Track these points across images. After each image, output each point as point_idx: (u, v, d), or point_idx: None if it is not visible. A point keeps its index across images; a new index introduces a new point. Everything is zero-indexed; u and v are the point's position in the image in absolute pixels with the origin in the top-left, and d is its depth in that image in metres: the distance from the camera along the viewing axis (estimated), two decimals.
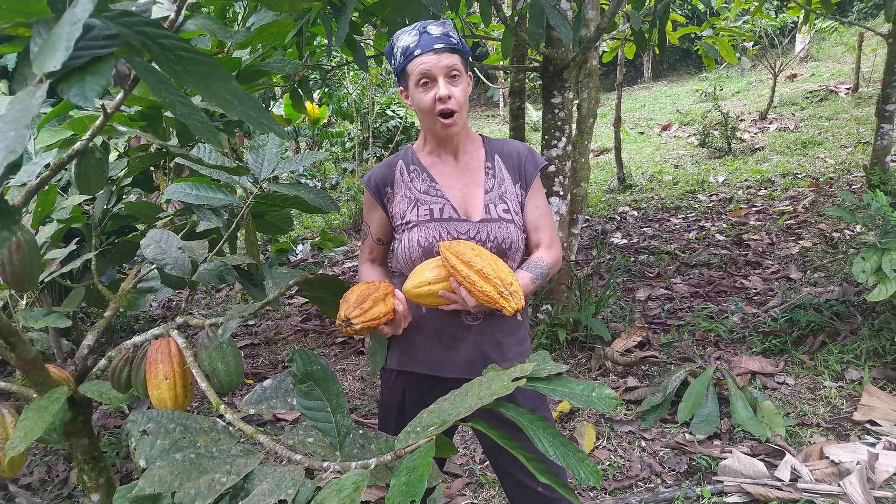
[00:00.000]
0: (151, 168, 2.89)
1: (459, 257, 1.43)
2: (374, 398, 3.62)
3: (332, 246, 6.84)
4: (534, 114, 13.59)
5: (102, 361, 1.88)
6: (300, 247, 7.07)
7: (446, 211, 1.66)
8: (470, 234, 1.63)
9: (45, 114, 1.73)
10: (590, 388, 1.16)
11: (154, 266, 2.08)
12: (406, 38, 1.58)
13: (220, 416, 1.44)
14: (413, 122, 10.97)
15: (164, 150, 2.56)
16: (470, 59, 1.65)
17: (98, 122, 1.33)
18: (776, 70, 11.20)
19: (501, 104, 16.91)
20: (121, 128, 1.61)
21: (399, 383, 1.76)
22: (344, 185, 9.48)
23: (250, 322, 5.05)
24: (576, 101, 3.99)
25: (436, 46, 1.54)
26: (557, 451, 1.07)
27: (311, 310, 5.21)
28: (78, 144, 1.39)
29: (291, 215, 2.28)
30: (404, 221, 1.69)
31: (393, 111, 10.93)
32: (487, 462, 2.83)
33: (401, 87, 1.66)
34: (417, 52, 1.55)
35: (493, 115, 17.99)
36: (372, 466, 1.08)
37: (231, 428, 1.35)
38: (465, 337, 1.65)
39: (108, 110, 1.34)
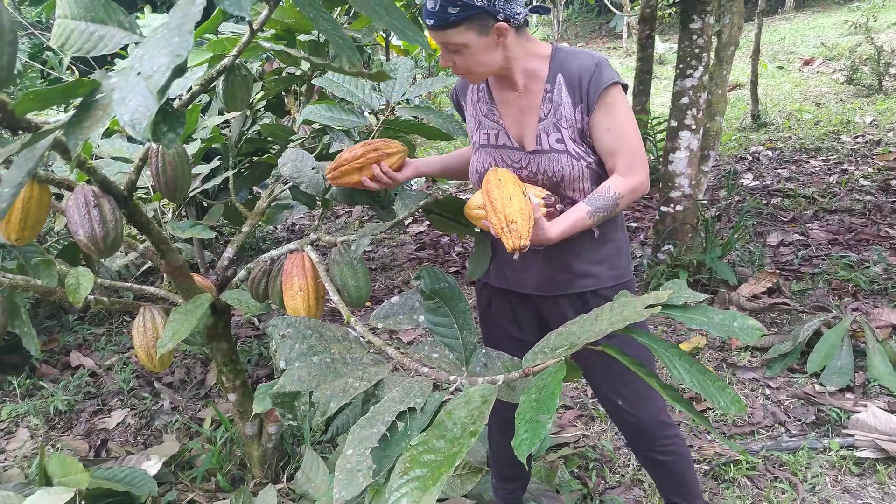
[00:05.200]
0: (283, 93, 2.99)
1: (486, 185, 1.44)
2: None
3: (445, 178, 6.88)
4: (659, 46, 12.81)
5: (242, 272, 2.00)
6: (415, 179, 7.17)
7: (501, 138, 1.62)
8: (522, 164, 1.59)
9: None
10: (731, 318, 1.10)
11: (286, 187, 2.18)
12: None
13: (351, 328, 1.50)
14: None
15: (295, 75, 2.63)
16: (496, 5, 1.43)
17: (245, 38, 1.37)
18: None
19: (625, 35, 16.05)
20: (265, 44, 1.66)
21: (485, 295, 1.83)
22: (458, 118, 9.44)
23: (368, 248, 5.22)
24: (716, 28, 3.71)
25: (427, 22, 1.46)
26: (695, 378, 1.03)
27: (425, 238, 5.31)
28: (226, 60, 1.44)
29: (413, 143, 2.30)
30: (473, 141, 1.71)
31: None
32: None
33: None
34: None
35: (615, 48, 17.15)
36: (500, 382, 1.09)
37: (361, 339, 1.41)
38: (533, 260, 1.64)
39: (255, 26, 1.38)
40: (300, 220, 5.95)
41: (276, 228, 5.67)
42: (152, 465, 2.28)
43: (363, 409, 1.23)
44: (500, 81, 1.61)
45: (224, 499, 2.27)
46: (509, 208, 1.39)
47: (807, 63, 11.50)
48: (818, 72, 10.82)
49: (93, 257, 2.38)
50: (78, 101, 1.01)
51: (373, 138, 1.92)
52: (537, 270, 1.66)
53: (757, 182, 5.83)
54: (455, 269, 4.66)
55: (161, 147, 1.54)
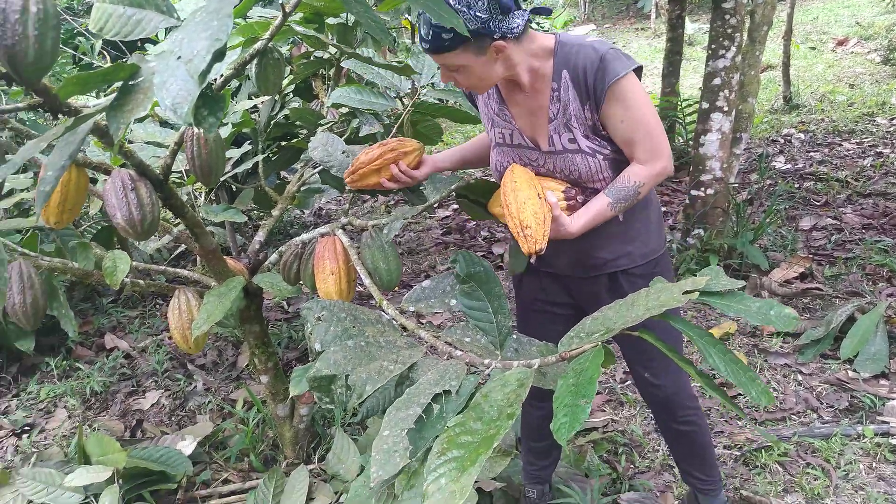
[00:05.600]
0: (311, 77, 2.99)
1: (503, 187, 1.45)
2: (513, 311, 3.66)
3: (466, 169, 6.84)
4: (689, 26, 12.58)
5: (273, 256, 2.02)
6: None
7: (515, 137, 1.61)
8: (539, 162, 1.58)
9: None
10: (768, 306, 1.09)
11: (316, 171, 2.19)
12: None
13: (384, 312, 1.51)
14: None
15: (324, 59, 2.63)
16: (492, 25, 1.36)
17: (278, 21, 1.37)
18: None
19: (653, 15, 15.77)
20: (297, 28, 1.66)
21: (519, 274, 1.84)
22: None
23: (395, 232, 5.23)
24: (749, 7, 3.63)
25: (423, 47, 1.43)
26: (729, 368, 1.03)
27: (451, 223, 5.31)
28: (258, 44, 1.45)
29: (440, 126, 2.30)
30: (489, 137, 1.70)
31: (538, 24, 10.54)
32: (628, 382, 2.81)
33: None
34: None
35: (642, 28, 16.85)
36: (536, 366, 1.09)
37: (394, 322, 1.42)
38: (564, 245, 1.63)
39: (287, 9, 1.38)
40: (326, 205, 5.98)
41: (304, 213, 5.71)
42: (187, 445, 2.32)
43: (396, 391, 1.24)
44: (508, 82, 1.58)
45: (257, 478, 2.32)
46: (523, 213, 1.39)
47: (840, 43, 11.20)
48: (852, 52, 10.53)
49: (128, 240, 2.42)
50: (117, 84, 1.02)
51: (402, 122, 1.92)
52: (568, 255, 1.67)
53: (789, 165, 5.72)
54: (482, 253, 4.65)
55: (196, 131, 1.55)
